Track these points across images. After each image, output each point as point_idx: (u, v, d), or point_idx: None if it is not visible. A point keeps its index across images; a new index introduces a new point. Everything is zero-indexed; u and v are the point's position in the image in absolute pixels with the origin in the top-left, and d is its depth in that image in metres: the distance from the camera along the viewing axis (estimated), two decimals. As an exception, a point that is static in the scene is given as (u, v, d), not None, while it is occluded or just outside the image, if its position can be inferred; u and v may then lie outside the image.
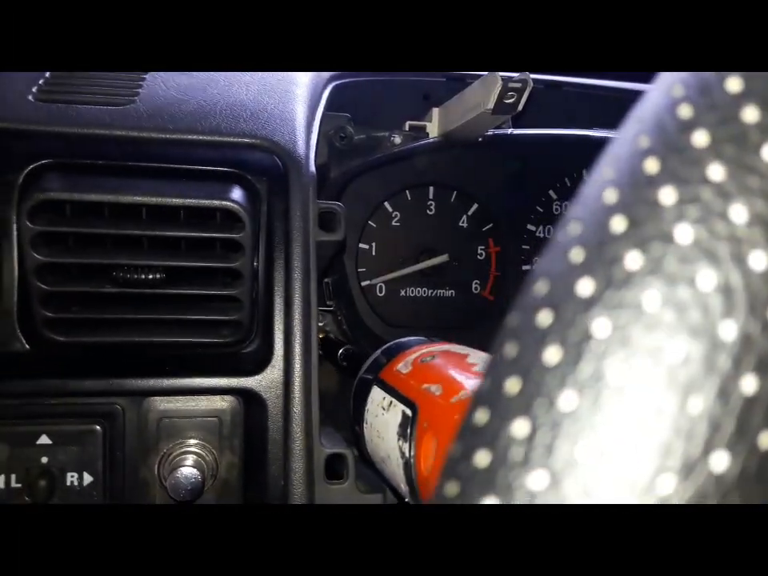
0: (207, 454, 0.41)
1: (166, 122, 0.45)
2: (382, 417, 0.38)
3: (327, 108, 0.64)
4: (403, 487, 0.35)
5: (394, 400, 0.37)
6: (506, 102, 0.54)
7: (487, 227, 0.66)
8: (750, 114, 0.12)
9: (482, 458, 0.11)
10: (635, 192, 0.12)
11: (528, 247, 0.66)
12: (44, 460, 0.40)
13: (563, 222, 0.13)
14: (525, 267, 0.66)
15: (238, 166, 0.44)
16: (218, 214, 0.42)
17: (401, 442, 0.35)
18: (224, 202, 0.42)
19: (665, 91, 0.13)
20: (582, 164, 0.68)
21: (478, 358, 0.36)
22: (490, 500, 0.11)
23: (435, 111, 0.66)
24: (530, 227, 0.67)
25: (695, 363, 0.10)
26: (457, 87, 0.69)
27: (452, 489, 0.12)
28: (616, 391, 0.11)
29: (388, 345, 0.44)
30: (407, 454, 0.34)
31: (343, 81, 0.67)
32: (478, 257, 0.66)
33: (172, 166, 0.43)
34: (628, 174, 0.12)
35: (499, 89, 0.53)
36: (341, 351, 0.55)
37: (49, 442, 0.40)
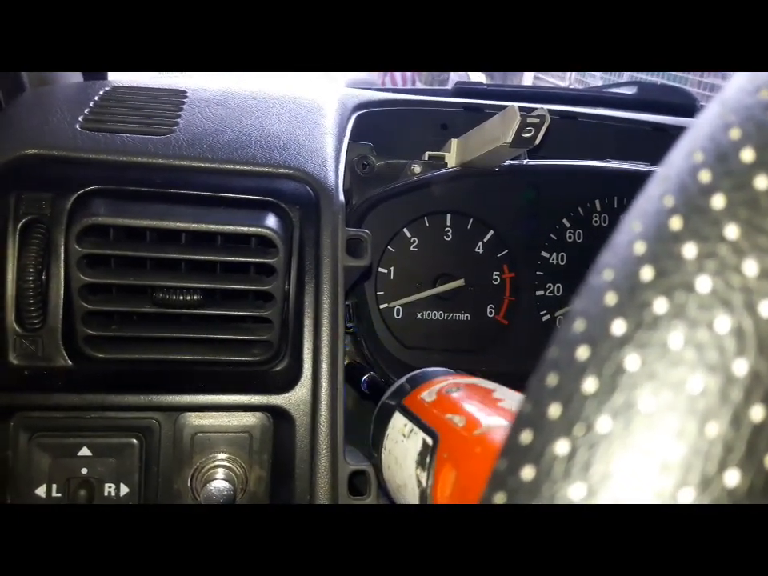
0: (238, 467, 0.43)
1: (205, 152, 0.48)
2: (402, 444, 0.38)
3: (351, 137, 0.67)
4: None
5: (415, 428, 0.37)
6: (524, 135, 0.56)
7: (502, 254, 0.68)
8: (761, 181, 0.14)
9: (527, 473, 0.13)
10: (662, 246, 0.14)
11: (541, 273, 0.68)
12: (84, 471, 0.42)
13: (597, 268, 0.15)
14: (538, 293, 0.68)
15: (273, 195, 0.47)
16: (252, 239, 0.45)
17: (419, 471, 0.35)
18: (259, 229, 0.44)
19: (686, 156, 0.15)
20: (594, 194, 0.71)
21: (504, 393, 0.37)
22: None
23: (454, 142, 0.69)
24: (544, 254, 0.69)
25: (712, 395, 0.12)
26: (474, 117, 0.72)
27: (500, 500, 0.14)
28: (645, 417, 0.13)
29: (414, 373, 0.44)
30: (424, 483, 0.34)
31: (366, 111, 0.70)
32: (493, 282, 0.68)
33: (210, 193, 0.46)
34: (655, 229, 0.14)
35: (518, 123, 0.56)
36: (364, 377, 0.56)
37: (89, 453, 0.42)
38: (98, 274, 0.43)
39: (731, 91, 0.16)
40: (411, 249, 0.67)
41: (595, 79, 3.05)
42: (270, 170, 0.47)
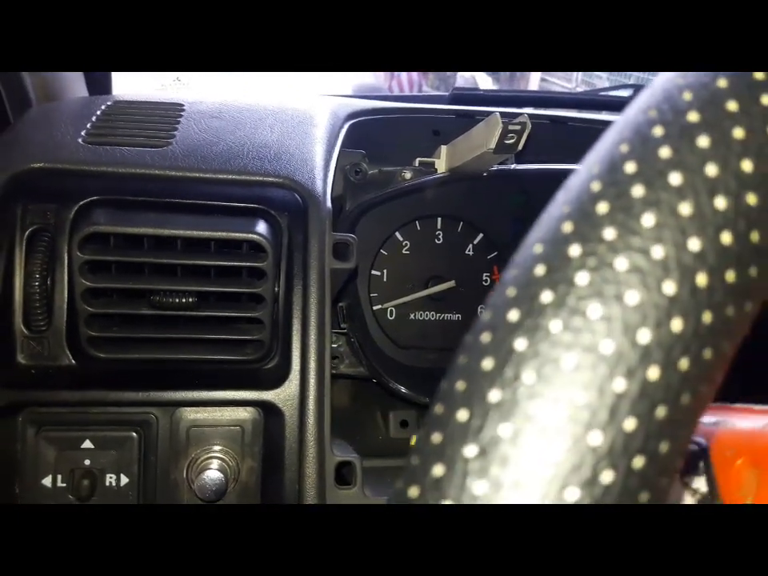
0: (230, 459, 0.46)
1: (200, 163, 0.50)
2: None
3: (344, 145, 0.69)
4: None
5: None
6: (506, 142, 0.58)
7: (492, 255, 0.70)
8: (637, 190, 0.16)
9: (438, 470, 0.15)
10: (554, 247, 0.16)
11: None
12: (87, 462, 0.45)
13: (507, 266, 0.17)
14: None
15: (263, 203, 0.50)
16: (244, 244, 0.47)
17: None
18: (250, 235, 0.47)
19: (587, 169, 0.18)
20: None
21: None
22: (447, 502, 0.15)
23: (443, 148, 0.71)
24: (533, 256, 0.71)
25: (584, 370, 0.15)
26: (465, 122, 0.75)
27: (413, 492, 0.16)
28: (527, 388, 0.15)
29: None
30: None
31: (359, 119, 0.72)
32: (483, 283, 0.70)
33: (205, 202, 0.49)
34: (552, 232, 0.17)
35: (500, 130, 0.58)
36: None
37: (91, 446, 0.45)
38: (99, 279, 0.46)
39: (631, 109, 0.19)
40: (403, 252, 0.69)
41: (602, 80, 3.06)
42: (261, 178, 0.50)
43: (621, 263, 0.15)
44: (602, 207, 0.16)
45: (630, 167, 0.17)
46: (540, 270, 0.16)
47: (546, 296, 0.15)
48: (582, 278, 0.15)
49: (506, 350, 0.15)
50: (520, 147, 0.59)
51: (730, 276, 0.15)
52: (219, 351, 0.48)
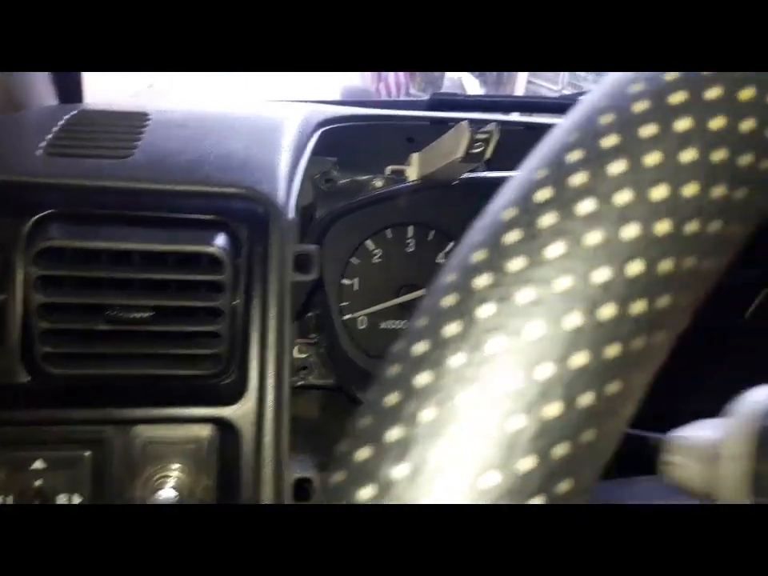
0: (186, 477, 0.45)
1: (161, 174, 0.50)
2: None
3: (315, 152, 0.69)
4: None
5: None
6: (474, 151, 0.58)
7: (464, 264, 0.70)
8: (546, 219, 0.16)
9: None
10: (464, 277, 0.16)
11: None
12: (38, 483, 0.44)
13: (441, 272, 0.17)
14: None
15: (224, 214, 0.49)
16: (202, 258, 0.47)
17: None
18: (208, 248, 0.46)
19: (504, 196, 0.17)
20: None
21: None
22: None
23: (414, 156, 0.70)
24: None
25: (481, 407, 0.14)
26: (439, 129, 0.74)
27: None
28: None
29: None
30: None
31: (331, 126, 0.72)
32: (456, 291, 0.70)
33: (164, 215, 0.48)
34: (464, 261, 0.16)
35: (468, 139, 0.58)
36: None
37: (42, 466, 0.44)
38: (54, 294, 0.45)
39: (553, 131, 0.18)
40: (374, 260, 0.69)
41: (588, 83, 3.06)
42: (222, 189, 0.49)
43: (524, 295, 0.15)
44: (512, 236, 0.16)
45: (542, 195, 0.16)
46: (448, 300, 0.16)
47: (452, 328, 0.15)
48: (486, 311, 0.15)
49: (408, 388, 0.15)
50: (488, 156, 0.59)
51: (638, 307, 0.15)
52: (177, 366, 0.47)
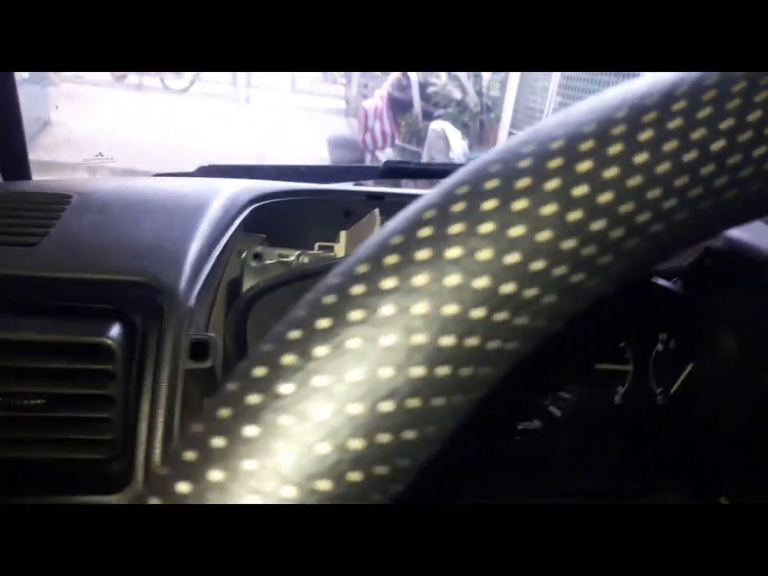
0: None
1: (65, 262, 0.52)
2: None
3: (248, 229, 0.71)
4: None
5: None
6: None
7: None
8: (388, 283, 0.15)
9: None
10: (275, 354, 0.16)
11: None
12: None
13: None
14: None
15: (122, 302, 0.51)
16: (96, 347, 0.48)
17: None
18: (101, 339, 0.48)
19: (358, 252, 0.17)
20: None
21: None
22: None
23: (342, 234, 0.73)
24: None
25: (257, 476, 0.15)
26: (375, 204, 0.77)
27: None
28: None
29: None
30: None
31: (263, 203, 0.74)
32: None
33: (62, 303, 0.50)
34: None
35: (378, 226, 0.60)
36: None
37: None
38: (-50, 381, 0.47)
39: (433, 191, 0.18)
40: None
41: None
42: (121, 278, 0.51)
43: (320, 380, 0.15)
44: (323, 323, 0.16)
45: (392, 259, 0.16)
46: (258, 372, 0.16)
47: (253, 398, 0.16)
48: (286, 389, 0.15)
49: (234, 437, 0.15)
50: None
51: (414, 403, 0.16)
52: (71, 451, 0.49)
